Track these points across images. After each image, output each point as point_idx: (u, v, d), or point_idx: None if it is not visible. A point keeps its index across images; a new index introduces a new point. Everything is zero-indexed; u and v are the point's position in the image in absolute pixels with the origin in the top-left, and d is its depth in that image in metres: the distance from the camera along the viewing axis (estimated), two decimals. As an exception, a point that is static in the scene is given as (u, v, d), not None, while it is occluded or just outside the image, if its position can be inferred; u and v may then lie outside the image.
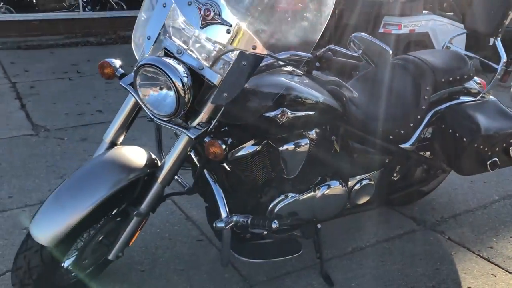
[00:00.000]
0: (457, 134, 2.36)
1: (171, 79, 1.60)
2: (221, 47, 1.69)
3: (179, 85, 1.61)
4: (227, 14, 1.56)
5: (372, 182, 2.41)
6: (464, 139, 2.33)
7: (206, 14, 1.58)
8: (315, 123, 2.10)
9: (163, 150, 2.15)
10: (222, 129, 1.93)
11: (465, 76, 2.52)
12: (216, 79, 1.68)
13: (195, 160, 2.07)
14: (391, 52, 1.84)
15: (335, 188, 2.24)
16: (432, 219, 2.89)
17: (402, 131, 2.36)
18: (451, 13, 6.16)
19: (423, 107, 2.39)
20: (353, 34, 1.85)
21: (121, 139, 1.95)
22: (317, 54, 1.91)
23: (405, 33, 5.56)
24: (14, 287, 1.80)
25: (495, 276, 2.38)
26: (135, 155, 1.86)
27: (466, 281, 2.35)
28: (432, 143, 2.53)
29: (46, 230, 1.66)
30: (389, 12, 5.56)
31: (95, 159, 1.84)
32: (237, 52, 1.62)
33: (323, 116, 2.09)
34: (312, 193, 2.18)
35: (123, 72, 1.90)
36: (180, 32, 1.76)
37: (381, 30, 5.56)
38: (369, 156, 2.39)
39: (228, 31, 1.57)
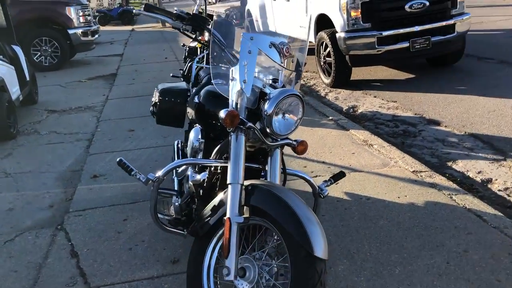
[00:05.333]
0: None
1: (299, 96, 2.08)
2: (287, 68, 2.26)
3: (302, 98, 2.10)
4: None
5: None
6: None
7: (286, 51, 2.18)
8: None
9: None
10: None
11: None
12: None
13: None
14: None
15: None
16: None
17: None
18: None
19: None
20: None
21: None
22: None
23: None
24: None
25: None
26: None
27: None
28: None
29: (324, 245, 1.85)
30: None
31: (289, 194, 1.98)
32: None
33: None
34: None
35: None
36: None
37: None
38: None
39: (292, 61, 2.29)
